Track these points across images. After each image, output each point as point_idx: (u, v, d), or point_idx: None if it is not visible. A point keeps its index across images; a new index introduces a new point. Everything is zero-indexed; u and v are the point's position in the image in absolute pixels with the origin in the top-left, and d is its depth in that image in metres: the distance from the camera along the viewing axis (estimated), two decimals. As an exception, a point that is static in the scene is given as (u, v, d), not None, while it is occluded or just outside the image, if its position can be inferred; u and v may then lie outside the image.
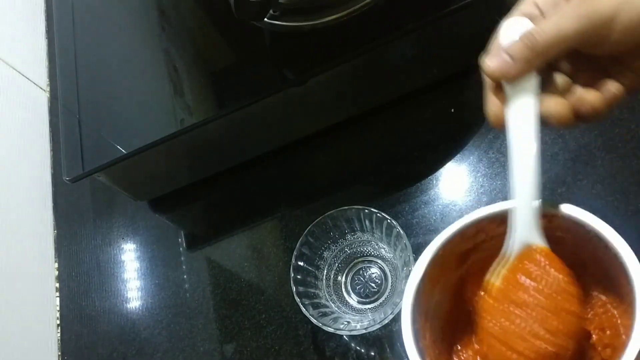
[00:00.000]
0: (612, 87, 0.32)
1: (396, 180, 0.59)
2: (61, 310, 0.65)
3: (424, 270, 0.38)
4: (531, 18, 0.32)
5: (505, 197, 0.54)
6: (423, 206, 0.57)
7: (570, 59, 0.33)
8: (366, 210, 0.52)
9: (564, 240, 0.37)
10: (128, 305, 0.63)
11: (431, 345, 0.39)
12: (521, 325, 0.32)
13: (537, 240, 0.34)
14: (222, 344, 0.58)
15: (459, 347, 0.42)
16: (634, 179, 0.51)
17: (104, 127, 0.57)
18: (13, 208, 0.66)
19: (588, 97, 0.32)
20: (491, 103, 0.33)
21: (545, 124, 0.32)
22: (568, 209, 0.34)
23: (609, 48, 0.30)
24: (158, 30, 0.62)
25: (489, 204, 0.54)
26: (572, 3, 0.30)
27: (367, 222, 0.54)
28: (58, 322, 0.65)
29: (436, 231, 0.55)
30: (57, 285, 0.67)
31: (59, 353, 0.63)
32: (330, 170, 0.64)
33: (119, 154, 0.55)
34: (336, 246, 0.56)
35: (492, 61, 0.31)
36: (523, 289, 0.33)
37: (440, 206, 0.56)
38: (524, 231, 0.33)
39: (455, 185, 0.57)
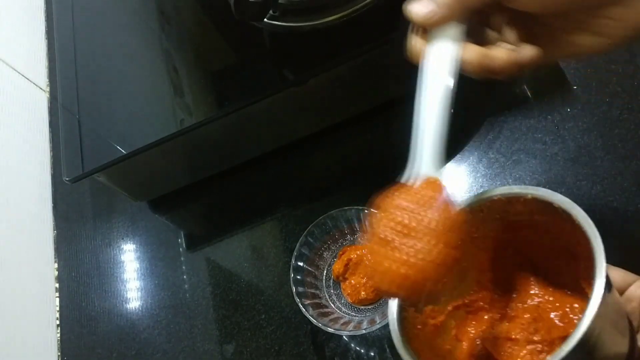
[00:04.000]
0: (527, 51, 0.33)
1: (396, 181, 0.59)
2: (61, 311, 0.65)
3: None
4: None
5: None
6: (423, 206, 0.56)
7: (501, 16, 0.34)
8: (366, 211, 0.52)
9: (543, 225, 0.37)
10: (128, 306, 0.63)
11: (421, 334, 0.39)
12: (395, 240, 0.31)
13: (435, 173, 0.34)
14: (222, 344, 0.58)
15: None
16: (634, 180, 0.51)
17: (104, 128, 0.57)
18: (13, 208, 0.66)
19: (498, 55, 0.33)
20: (414, 40, 0.34)
21: (461, 69, 0.33)
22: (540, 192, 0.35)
23: (525, 5, 0.31)
24: (158, 31, 0.62)
25: (489, 204, 0.54)
26: None
27: (367, 222, 0.54)
28: (58, 322, 0.65)
29: (436, 231, 0.55)
30: (57, 285, 0.67)
31: (59, 353, 0.63)
32: (330, 170, 0.64)
33: (118, 154, 0.55)
34: (336, 246, 0.56)
35: (417, 7, 0.32)
36: (407, 209, 0.33)
37: (440, 206, 0.56)
38: (426, 164, 0.34)
39: (454, 186, 0.57)
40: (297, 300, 0.50)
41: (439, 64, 0.33)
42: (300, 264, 0.53)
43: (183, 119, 0.55)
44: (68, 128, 0.58)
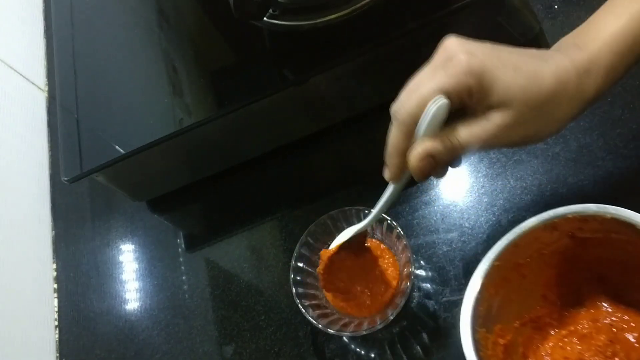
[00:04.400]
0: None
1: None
2: (59, 312, 0.65)
3: (481, 283, 0.40)
4: (462, 101, 0.36)
5: (506, 198, 0.54)
6: (423, 207, 0.56)
7: None
8: (366, 211, 0.52)
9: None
10: (126, 307, 0.63)
11: (493, 355, 0.40)
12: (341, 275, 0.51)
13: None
14: (221, 345, 0.57)
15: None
16: (636, 179, 0.51)
17: (103, 127, 0.57)
18: (11, 208, 0.66)
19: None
20: (394, 160, 0.39)
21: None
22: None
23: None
24: (157, 30, 0.62)
25: (490, 204, 0.54)
26: (494, 124, 0.35)
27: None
28: (56, 323, 0.65)
29: (437, 232, 0.55)
30: (55, 286, 0.67)
31: (57, 354, 0.63)
32: (330, 170, 0.63)
33: (117, 154, 0.54)
34: (336, 247, 0.55)
35: (418, 159, 0.36)
36: (348, 259, 0.51)
37: (440, 207, 0.56)
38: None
39: (455, 186, 0.57)
40: (297, 301, 0.50)
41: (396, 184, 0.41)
42: (300, 264, 0.52)
43: (182, 118, 0.55)
44: (67, 128, 0.58)
